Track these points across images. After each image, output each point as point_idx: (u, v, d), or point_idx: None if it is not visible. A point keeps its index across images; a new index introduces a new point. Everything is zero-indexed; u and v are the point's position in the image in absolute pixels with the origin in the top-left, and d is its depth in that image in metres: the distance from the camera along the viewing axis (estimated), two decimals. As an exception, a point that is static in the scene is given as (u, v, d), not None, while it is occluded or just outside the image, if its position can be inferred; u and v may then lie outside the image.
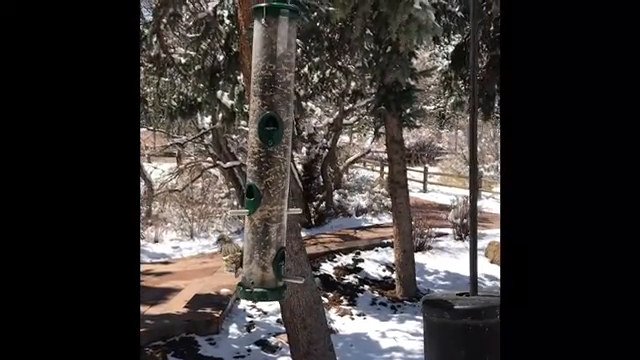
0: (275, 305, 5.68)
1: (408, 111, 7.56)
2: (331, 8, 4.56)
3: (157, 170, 13.06)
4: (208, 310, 5.92)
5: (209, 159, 12.28)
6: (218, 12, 6.17)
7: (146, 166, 12.88)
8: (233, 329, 5.90)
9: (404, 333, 6.12)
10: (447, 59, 9.87)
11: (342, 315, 6.66)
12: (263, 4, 1.33)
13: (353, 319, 6.62)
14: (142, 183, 12.09)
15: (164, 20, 5.94)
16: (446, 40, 8.64)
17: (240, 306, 6.54)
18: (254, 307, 6.50)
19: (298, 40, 6.43)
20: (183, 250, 9.82)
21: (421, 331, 5.87)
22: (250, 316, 6.25)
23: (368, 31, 5.43)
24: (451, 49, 9.04)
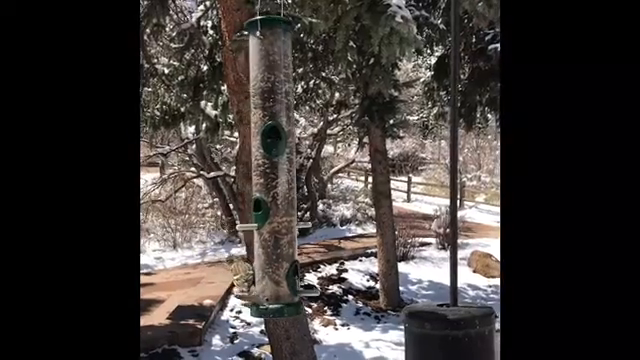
0: (258, 316, 5.66)
1: (392, 122, 7.62)
2: (314, 20, 4.59)
3: (140, 180, 12.98)
4: (191, 321, 5.88)
5: (193, 169, 12.24)
6: (202, 23, 6.19)
7: (129, 176, 12.78)
8: (216, 340, 5.86)
9: (387, 343, 6.12)
10: (430, 70, 9.99)
11: (326, 325, 6.65)
12: (257, 17, 1.35)
13: (337, 329, 6.61)
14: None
15: (148, 30, 5.93)
16: (429, 51, 8.75)
17: (223, 317, 6.50)
18: (237, 318, 6.47)
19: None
20: (166, 261, 9.74)
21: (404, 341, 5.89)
22: (233, 327, 6.21)
23: (351, 43, 5.47)
24: (434, 60, 9.16)
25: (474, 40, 7.71)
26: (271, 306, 1.33)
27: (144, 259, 9.76)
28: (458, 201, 13.54)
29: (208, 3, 6.05)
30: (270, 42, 1.35)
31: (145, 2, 6.38)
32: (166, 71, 6.63)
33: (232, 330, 6.11)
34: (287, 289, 1.34)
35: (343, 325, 6.72)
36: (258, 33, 1.34)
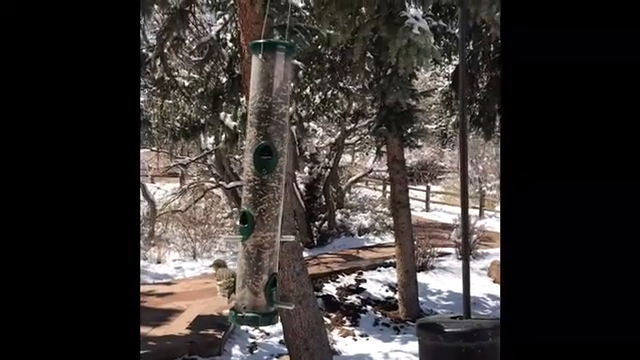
0: (278, 326, 5.67)
1: (409, 131, 7.62)
2: (332, 32, 4.64)
3: (160, 190, 13.12)
4: (210, 331, 5.91)
5: (212, 179, 12.35)
6: (221, 36, 6.28)
7: (149, 186, 12.94)
8: (236, 350, 5.88)
9: (407, 354, 6.08)
10: (448, 79, 9.98)
11: (345, 336, 6.64)
12: (261, 40, 1.39)
13: (356, 340, 6.59)
14: (145, 203, 12.15)
15: (168, 44, 6.04)
16: (446, 60, 8.74)
17: (243, 327, 6.53)
18: (256, 328, 6.49)
19: (300, 62, 6.53)
20: (186, 271, 9.81)
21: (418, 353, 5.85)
22: (252, 337, 6.23)
23: (369, 54, 5.50)
24: (451, 69, 9.15)
25: (492, 49, 7.68)
26: (247, 314, 1.38)
27: (164, 269, 9.85)
28: (478, 210, 13.40)
29: (227, 16, 6.13)
30: (271, 65, 1.39)
31: (165, 16, 6.51)
32: (186, 83, 6.73)
33: (251, 340, 6.13)
34: (264, 300, 1.40)
35: (362, 336, 6.70)
36: (260, 56, 1.38)
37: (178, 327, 6.10)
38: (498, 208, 16.39)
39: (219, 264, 1.94)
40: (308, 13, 5.83)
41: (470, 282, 1.64)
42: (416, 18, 3.95)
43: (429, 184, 19.15)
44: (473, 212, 14.45)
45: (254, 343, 6.06)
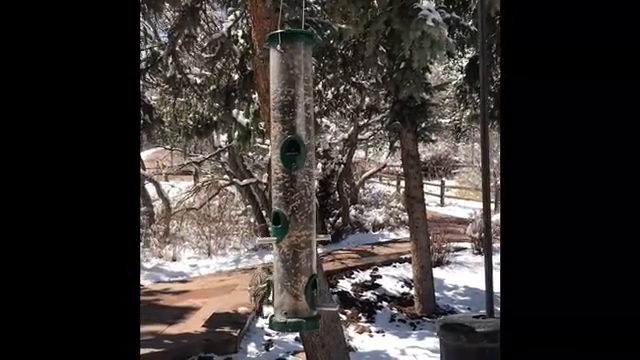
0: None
1: (423, 125, 7.55)
2: (344, 26, 4.58)
3: (174, 189, 13.18)
4: (226, 329, 5.91)
5: (226, 177, 12.37)
6: (232, 32, 6.25)
7: (163, 185, 13.01)
8: (252, 348, 5.87)
9: (424, 350, 6.03)
10: (461, 72, 9.87)
11: (361, 332, 6.60)
12: (278, 31, 1.34)
13: (372, 336, 6.55)
14: (159, 202, 12.21)
15: (179, 41, 6.02)
16: (460, 53, 8.64)
17: (258, 324, 6.52)
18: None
19: (312, 58, 6.48)
20: (201, 268, 9.84)
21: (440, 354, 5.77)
22: (268, 335, 6.21)
23: (381, 47, 5.44)
24: (465, 62, 9.04)
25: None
26: (289, 320, 1.33)
27: (179, 267, 9.89)
28: (493, 205, 13.23)
29: (238, 13, 6.10)
30: (290, 55, 1.35)
31: (176, 14, 6.50)
32: (198, 81, 6.72)
33: (267, 337, 6.11)
34: (305, 303, 1.34)
35: (378, 332, 6.65)
36: (279, 47, 1.33)
37: (194, 325, 6.11)
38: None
39: (267, 267, 1.87)
40: (319, 7, 5.78)
41: (493, 281, 1.58)
42: (429, 10, 3.88)
43: (443, 179, 19.03)
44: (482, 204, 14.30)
45: (270, 340, 6.04)
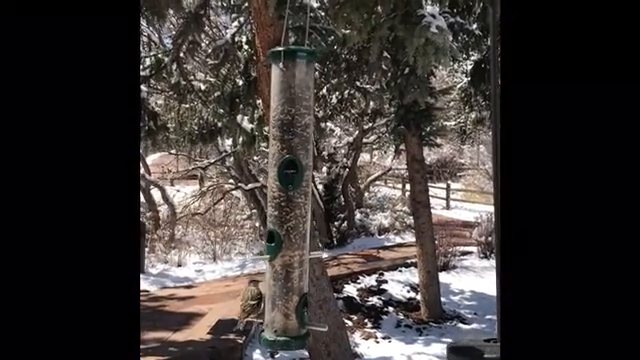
0: (298, 330, 5.63)
1: (428, 130, 7.52)
2: (347, 32, 4.57)
3: (180, 193, 13.19)
4: (231, 336, 5.89)
5: (231, 181, 12.37)
6: (236, 39, 6.25)
7: (169, 189, 13.02)
8: (257, 355, 5.85)
9: (430, 356, 6.00)
10: (466, 75, 9.83)
11: (367, 338, 6.57)
12: (280, 48, 1.33)
13: (378, 342, 6.52)
14: (165, 207, 12.22)
15: (184, 48, 6.02)
16: (464, 56, 8.62)
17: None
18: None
19: (316, 63, 6.48)
20: (206, 273, 9.83)
21: (448, 354, 5.70)
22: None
23: (385, 53, 5.42)
24: (470, 66, 9.01)
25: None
26: (279, 338, 1.34)
27: (185, 272, 9.89)
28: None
29: (242, 19, 6.10)
30: (292, 74, 1.34)
31: (180, 20, 6.50)
32: (203, 87, 6.72)
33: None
34: (296, 322, 1.35)
35: (384, 338, 6.62)
36: (281, 65, 1.31)
37: (199, 332, 6.09)
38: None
39: (254, 280, 1.86)
40: (323, 13, 5.77)
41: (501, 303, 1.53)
42: (433, 16, 3.86)
43: (449, 182, 18.96)
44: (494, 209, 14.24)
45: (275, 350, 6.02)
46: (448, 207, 17.31)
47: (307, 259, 1.38)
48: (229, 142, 10.75)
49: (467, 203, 17.44)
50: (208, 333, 6.02)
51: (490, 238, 10.09)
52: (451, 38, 4.34)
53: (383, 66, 6.16)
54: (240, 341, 5.77)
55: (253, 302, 1.56)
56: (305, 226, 1.36)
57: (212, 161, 11.67)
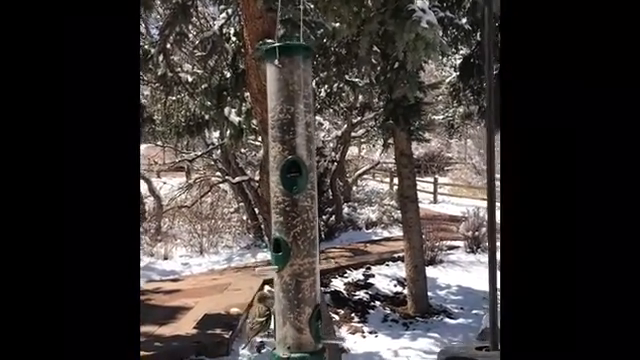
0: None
1: (417, 124, 7.50)
2: (337, 25, 4.52)
3: (166, 185, 13.07)
4: (218, 331, 5.86)
5: (218, 174, 12.29)
6: (224, 30, 6.17)
7: (155, 182, 12.90)
8: (243, 350, 5.82)
9: (417, 351, 6.01)
10: (455, 70, 9.83)
11: (353, 333, 6.57)
12: (275, 44, 1.27)
13: (364, 337, 6.52)
14: (151, 199, 12.11)
15: (171, 39, 5.94)
16: (453, 50, 8.60)
17: (248, 332, 6.47)
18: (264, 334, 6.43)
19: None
20: (193, 267, 9.77)
21: (434, 349, 5.74)
22: (260, 336, 6.17)
23: (375, 47, 5.38)
24: (459, 60, 9.01)
25: (500, 39, 7.53)
26: (293, 355, 1.25)
27: (171, 265, 9.83)
28: (487, 202, 13.28)
29: (230, 10, 6.02)
30: (289, 71, 1.26)
31: (167, 11, 6.41)
32: (190, 79, 6.64)
33: (259, 339, 6.06)
34: (310, 336, 1.26)
35: (371, 332, 6.62)
36: (277, 61, 1.25)
37: (185, 326, 6.05)
38: (507, 199, 16.24)
39: (263, 297, 1.73)
40: (312, 6, 5.71)
41: (497, 310, 1.49)
42: (423, 10, 3.82)
43: (436, 176, 19.00)
44: (482, 204, 14.31)
45: (262, 342, 5.99)
46: (435, 201, 17.36)
47: (318, 267, 1.29)
48: (216, 135, 10.66)
49: (454, 197, 17.51)
50: (194, 327, 5.98)
51: (477, 233, 10.14)
52: (441, 33, 4.31)
53: (372, 60, 6.13)
54: (226, 336, 5.73)
55: (261, 319, 1.45)
56: (313, 231, 1.28)
57: (199, 154, 11.57)
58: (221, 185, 12.68)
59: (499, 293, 1.14)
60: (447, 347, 1.82)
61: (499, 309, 1.40)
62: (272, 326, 1.48)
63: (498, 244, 1.61)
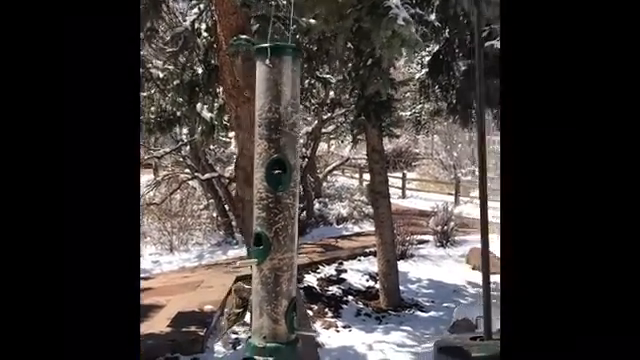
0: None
1: (387, 121, 7.58)
2: (312, 21, 4.53)
3: (140, 180, 12.85)
4: (192, 328, 5.82)
5: (187, 171, 12.15)
6: (196, 26, 6.10)
7: (123, 179, 12.66)
8: (218, 347, 5.80)
9: (390, 345, 6.09)
10: (422, 67, 9.94)
11: (327, 328, 6.61)
12: (266, 44, 1.29)
13: (338, 331, 6.57)
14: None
15: (141, 35, 5.84)
16: (426, 45, 8.70)
17: (224, 323, 6.44)
18: (239, 324, 6.41)
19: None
20: (163, 264, 9.67)
21: (407, 342, 5.80)
22: (235, 333, 6.15)
23: (349, 44, 5.42)
24: (427, 57, 9.12)
25: (469, 37, 7.67)
26: (268, 345, 1.30)
27: (141, 263, 9.68)
28: (454, 197, 13.42)
29: (202, 6, 5.96)
30: (279, 71, 1.29)
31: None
32: (161, 75, 6.54)
33: (234, 336, 6.05)
34: (285, 327, 1.31)
35: (345, 327, 6.69)
36: (267, 61, 1.28)
37: (159, 324, 5.99)
38: (473, 194, 16.54)
39: (240, 289, 1.78)
40: (285, 1, 5.70)
41: (491, 301, 1.54)
42: (398, 7, 3.87)
43: (405, 171, 19.21)
44: (449, 198, 14.57)
45: (237, 339, 5.98)
46: (404, 196, 17.54)
47: (296, 262, 1.34)
48: (185, 131, 10.54)
49: (422, 192, 17.72)
50: (168, 325, 5.93)
51: (446, 227, 10.31)
52: (414, 30, 4.37)
53: (345, 56, 6.17)
54: (201, 333, 5.71)
55: (238, 310, 1.49)
56: (294, 228, 1.33)
57: (168, 150, 11.41)
58: (190, 182, 12.54)
59: (499, 293, 1.17)
60: (442, 337, 1.86)
61: (492, 301, 1.44)
62: (247, 317, 1.52)
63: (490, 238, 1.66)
